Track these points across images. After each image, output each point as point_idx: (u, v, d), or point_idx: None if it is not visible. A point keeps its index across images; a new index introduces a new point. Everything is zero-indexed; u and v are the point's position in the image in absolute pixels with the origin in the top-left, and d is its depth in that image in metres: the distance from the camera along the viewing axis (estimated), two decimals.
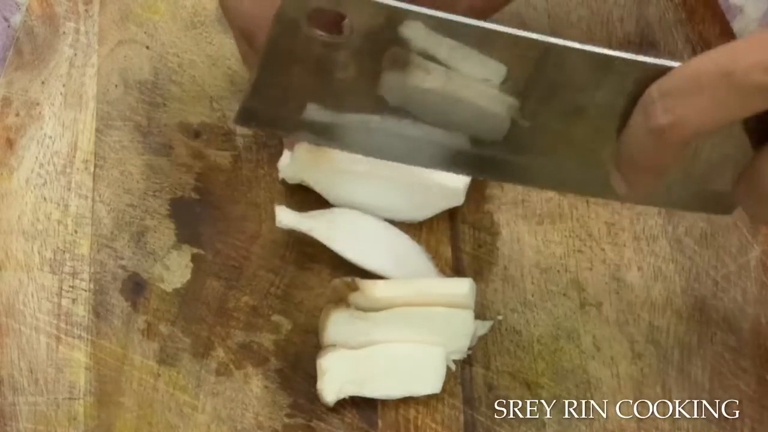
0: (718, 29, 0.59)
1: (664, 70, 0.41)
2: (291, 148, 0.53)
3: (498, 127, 0.45)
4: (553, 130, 0.45)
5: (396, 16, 0.42)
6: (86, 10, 0.59)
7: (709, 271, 0.53)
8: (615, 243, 0.54)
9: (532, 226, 0.54)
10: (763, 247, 0.54)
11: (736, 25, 0.60)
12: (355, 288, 0.48)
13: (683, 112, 0.40)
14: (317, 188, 0.51)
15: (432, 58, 0.43)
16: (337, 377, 0.48)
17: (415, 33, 0.43)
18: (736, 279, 0.53)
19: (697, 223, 0.55)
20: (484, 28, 0.42)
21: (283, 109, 0.47)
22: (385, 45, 0.43)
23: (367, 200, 0.51)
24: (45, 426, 0.48)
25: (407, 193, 0.51)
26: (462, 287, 0.49)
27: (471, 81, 0.44)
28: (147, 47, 0.58)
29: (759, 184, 0.41)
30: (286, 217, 0.51)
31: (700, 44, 0.59)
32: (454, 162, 0.47)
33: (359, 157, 0.47)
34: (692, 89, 0.39)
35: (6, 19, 0.59)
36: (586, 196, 0.54)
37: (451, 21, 0.42)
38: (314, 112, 0.46)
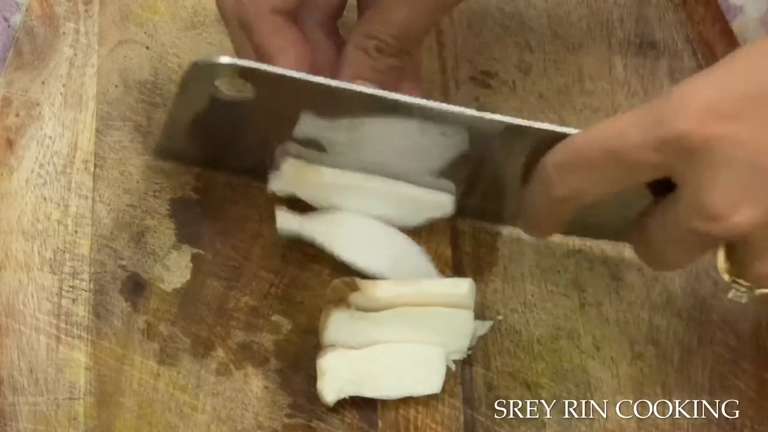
0: (718, 29, 0.59)
1: (557, 137, 0.44)
2: None
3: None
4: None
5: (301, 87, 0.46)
6: (86, 10, 0.59)
7: (709, 271, 0.53)
8: (615, 243, 0.54)
9: None
10: None
11: (736, 25, 0.60)
12: (355, 288, 0.48)
13: (577, 185, 0.43)
14: (309, 201, 0.51)
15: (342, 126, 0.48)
16: (337, 377, 0.48)
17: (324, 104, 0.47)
18: None
19: None
20: (391, 100, 0.46)
21: (197, 150, 0.52)
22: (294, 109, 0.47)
23: (358, 211, 0.51)
24: (45, 426, 0.48)
25: (398, 204, 0.51)
26: (462, 287, 0.49)
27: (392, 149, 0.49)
28: (147, 47, 0.58)
29: (648, 235, 0.44)
30: (286, 220, 0.51)
31: (700, 44, 0.59)
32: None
33: (346, 170, 0.50)
34: (583, 165, 0.42)
35: (6, 19, 0.59)
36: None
37: (364, 94, 0.46)
38: (229, 153, 0.51)
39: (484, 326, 0.51)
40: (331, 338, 0.48)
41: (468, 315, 0.49)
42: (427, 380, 0.49)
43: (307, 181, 0.50)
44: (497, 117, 0.46)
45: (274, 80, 0.45)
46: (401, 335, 0.49)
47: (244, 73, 0.45)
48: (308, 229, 0.51)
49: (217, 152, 0.52)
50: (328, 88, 0.45)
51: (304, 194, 0.51)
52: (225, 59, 0.45)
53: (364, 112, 0.47)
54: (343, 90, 0.46)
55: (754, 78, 0.40)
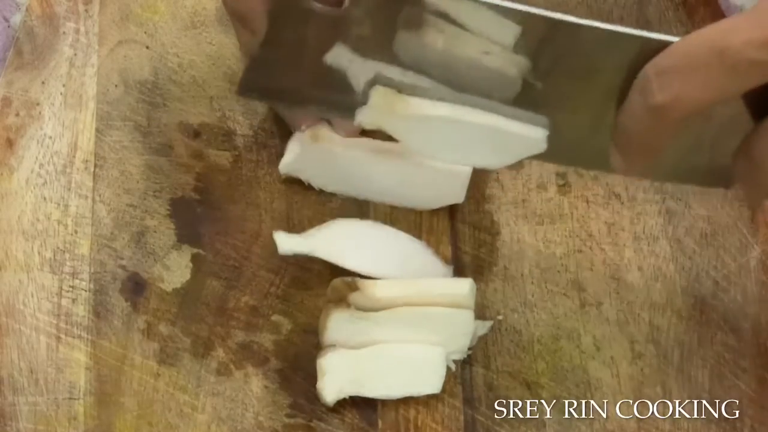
0: None
1: (662, 46, 0.41)
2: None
3: (509, 87, 0.46)
4: (560, 94, 0.45)
5: None
6: (86, 10, 0.59)
7: (709, 271, 0.53)
8: (615, 243, 0.54)
9: (532, 226, 0.54)
10: (763, 247, 0.54)
11: None
12: (355, 288, 0.48)
13: (679, 90, 0.40)
14: (396, 135, 0.48)
15: (443, 19, 0.44)
16: (337, 377, 0.48)
17: None
18: (736, 279, 0.53)
19: (697, 223, 0.55)
20: (493, 4, 0.43)
21: (283, 83, 0.48)
22: (392, 10, 0.44)
23: (444, 145, 0.48)
24: (45, 426, 0.48)
25: (489, 139, 0.48)
26: (462, 287, 0.49)
27: (483, 42, 0.44)
28: (147, 47, 0.58)
29: (756, 158, 0.42)
30: (286, 243, 0.51)
31: None
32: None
33: (438, 102, 0.46)
34: (687, 68, 0.40)
35: (6, 19, 0.59)
36: (588, 167, 0.53)
37: None
38: (316, 85, 0.47)
39: (485, 326, 0.51)
40: (331, 338, 0.48)
41: (468, 315, 0.49)
42: (427, 380, 0.49)
43: (397, 112, 0.47)
44: (599, 24, 0.43)
45: None
46: (401, 335, 0.49)
47: None
48: (308, 247, 0.51)
49: (303, 86, 0.49)
50: None
51: (392, 127, 0.48)
52: None
53: (455, 22, 0.44)
54: None
55: None
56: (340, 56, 0.46)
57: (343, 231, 0.52)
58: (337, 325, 0.48)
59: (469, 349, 0.50)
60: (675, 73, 0.40)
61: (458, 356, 0.50)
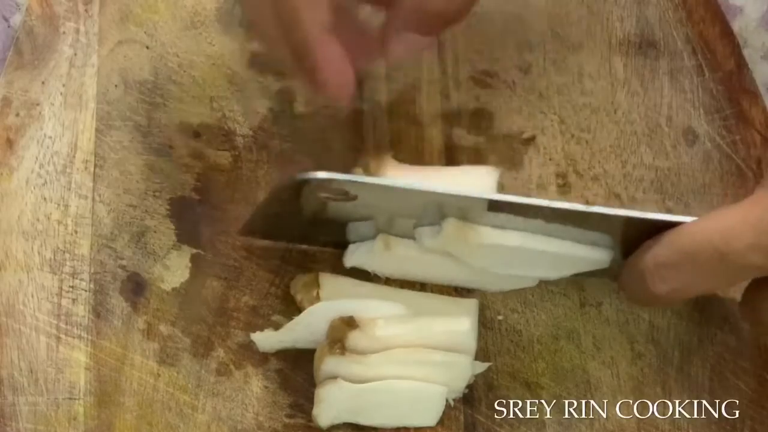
0: (718, 29, 0.59)
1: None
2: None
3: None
4: None
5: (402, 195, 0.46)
6: (86, 10, 0.59)
7: None
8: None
9: None
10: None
11: (736, 25, 0.60)
12: (354, 326, 0.47)
13: (678, 283, 0.43)
14: (465, 261, 0.49)
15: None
16: (334, 406, 0.47)
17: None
18: None
19: None
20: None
21: (290, 232, 0.52)
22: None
23: (510, 265, 0.50)
24: (45, 426, 0.48)
25: (554, 262, 0.49)
26: (462, 325, 0.48)
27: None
28: (147, 47, 0.58)
29: (761, 315, 0.45)
30: (266, 341, 0.50)
31: (700, 44, 0.59)
32: None
33: (506, 230, 0.48)
34: (687, 265, 0.42)
35: (6, 19, 0.59)
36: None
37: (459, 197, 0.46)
38: (321, 234, 0.51)
39: (482, 367, 0.50)
40: (324, 377, 0.48)
41: (467, 360, 0.48)
42: (425, 414, 0.48)
43: (468, 242, 0.48)
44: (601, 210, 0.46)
45: (377, 189, 0.46)
46: (398, 374, 0.48)
47: (342, 186, 0.46)
48: (289, 340, 0.49)
49: (314, 233, 0.52)
50: (437, 195, 0.46)
51: (460, 253, 0.49)
52: (322, 175, 0.45)
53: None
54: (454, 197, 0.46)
55: None
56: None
57: (321, 317, 0.49)
58: (330, 368, 0.47)
59: (467, 387, 0.49)
60: (674, 268, 0.42)
61: (455, 395, 0.49)
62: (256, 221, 0.51)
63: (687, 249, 0.42)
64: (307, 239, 0.52)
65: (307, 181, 0.45)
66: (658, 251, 0.43)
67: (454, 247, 0.48)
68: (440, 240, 0.48)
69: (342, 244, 0.51)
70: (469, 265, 0.49)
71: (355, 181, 0.46)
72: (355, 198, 0.46)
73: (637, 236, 0.46)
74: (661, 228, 0.44)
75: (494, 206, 0.46)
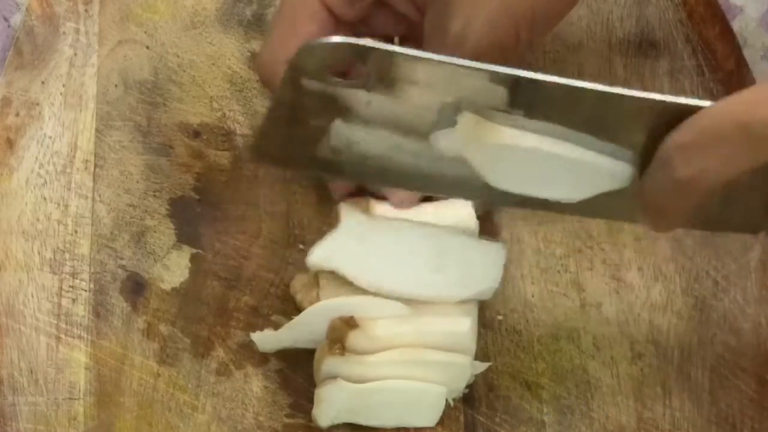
0: (718, 29, 0.59)
1: (683, 110, 0.41)
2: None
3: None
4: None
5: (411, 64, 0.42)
6: (86, 10, 0.59)
7: (709, 271, 0.53)
8: (615, 243, 0.54)
9: (532, 226, 0.54)
10: (764, 247, 0.54)
11: (736, 25, 0.60)
12: (354, 325, 0.47)
13: (703, 165, 0.40)
14: (478, 166, 0.46)
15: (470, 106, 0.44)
16: (334, 407, 0.47)
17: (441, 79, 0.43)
18: (736, 279, 0.53)
19: None
20: (509, 74, 0.42)
21: (296, 148, 0.47)
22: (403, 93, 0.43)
23: (525, 177, 0.46)
24: (45, 426, 0.48)
25: (575, 174, 0.45)
26: (462, 325, 0.48)
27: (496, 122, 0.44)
28: (147, 47, 0.58)
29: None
30: (266, 341, 0.49)
31: (700, 44, 0.59)
32: (478, 194, 0.47)
33: (528, 132, 0.44)
34: (710, 143, 0.40)
35: (6, 19, 0.59)
36: (616, 220, 0.52)
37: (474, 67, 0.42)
38: (329, 150, 0.46)
39: (482, 366, 0.50)
40: (324, 378, 0.47)
41: (467, 360, 0.48)
42: (424, 414, 0.48)
43: (486, 141, 0.44)
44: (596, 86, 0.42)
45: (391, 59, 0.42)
46: (398, 375, 0.47)
47: (359, 52, 0.42)
48: (289, 340, 0.49)
49: (323, 152, 0.47)
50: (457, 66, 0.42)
51: (474, 156, 0.45)
52: (336, 39, 0.41)
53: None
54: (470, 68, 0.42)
55: None
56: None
57: (321, 319, 0.48)
58: (330, 368, 0.47)
59: (467, 387, 0.49)
60: (698, 148, 0.40)
61: (455, 395, 0.49)
62: (266, 132, 0.46)
63: (711, 126, 0.40)
64: (317, 162, 0.47)
65: (319, 47, 0.41)
66: (679, 134, 0.41)
67: (470, 147, 0.45)
68: (456, 139, 0.45)
69: (350, 173, 0.47)
70: (484, 175, 0.46)
71: (374, 47, 0.41)
72: (368, 78, 0.43)
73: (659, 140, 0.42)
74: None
75: (516, 91, 0.43)
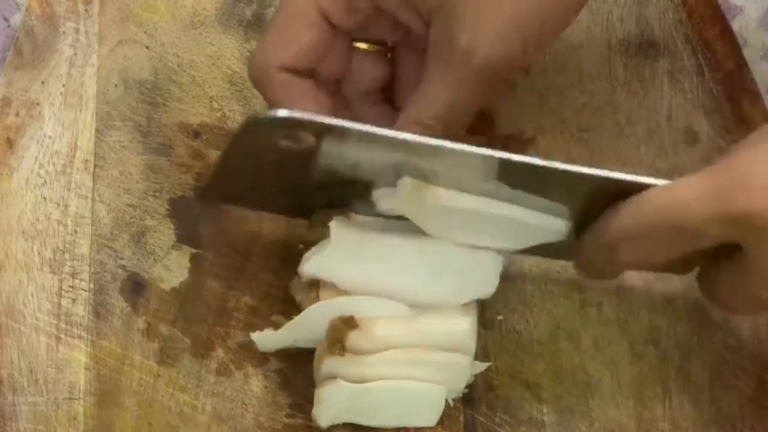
0: (718, 29, 0.59)
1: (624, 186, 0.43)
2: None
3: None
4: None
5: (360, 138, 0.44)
6: (86, 10, 0.59)
7: None
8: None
9: None
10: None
11: (736, 25, 0.60)
12: (354, 325, 0.47)
13: (642, 253, 0.44)
14: (420, 224, 0.48)
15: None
16: (333, 407, 0.47)
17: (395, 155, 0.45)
18: None
19: None
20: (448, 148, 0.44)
21: (247, 193, 0.50)
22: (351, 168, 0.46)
23: (467, 232, 0.48)
24: (45, 426, 0.48)
25: (511, 229, 0.48)
26: (462, 325, 0.48)
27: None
28: (147, 47, 0.58)
29: (717, 290, 0.46)
30: (266, 341, 0.49)
31: (700, 44, 0.59)
32: None
33: (464, 193, 0.47)
34: (649, 236, 0.43)
35: (6, 19, 0.59)
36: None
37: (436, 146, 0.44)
38: (280, 198, 0.50)
39: (481, 366, 0.50)
40: (324, 378, 0.47)
41: (466, 361, 0.48)
42: (424, 414, 0.48)
43: (426, 203, 0.47)
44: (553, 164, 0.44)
45: (335, 131, 0.44)
46: (398, 374, 0.47)
47: (303, 126, 0.43)
48: (289, 340, 0.49)
49: (275, 196, 0.50)
50: (391, 139, 0.44)
51: (415, 215, 0.47)
52: (282, 113, 0.43)
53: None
54: (399, 140, 0.44)
55: None
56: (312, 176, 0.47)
57: (320, 318, 0.48)
58: (330, 368, 0.47)
59: (466, 387, 0.49)
60: (640, 240, 0.43)
61: (454, 395, 0.49)
62: (216, 179, 0.49)
63: (649, 221, 0.42)
64: (266, 204, 0.51)
65: (266, 121, 0.43)
66: (624, 221, 0.43)
67: (410, 208, 0.47)
68: (397, 200, 0.47)
69: (300, 211, 0.50)
70: (425, 230, 0.48)
71: (315, 121, 0.43)
72: (314, 146, 0.44)
73: (595, 204, 0.45)
74: (618, 194, 0.44)
75: (449, 157, 0.45)
